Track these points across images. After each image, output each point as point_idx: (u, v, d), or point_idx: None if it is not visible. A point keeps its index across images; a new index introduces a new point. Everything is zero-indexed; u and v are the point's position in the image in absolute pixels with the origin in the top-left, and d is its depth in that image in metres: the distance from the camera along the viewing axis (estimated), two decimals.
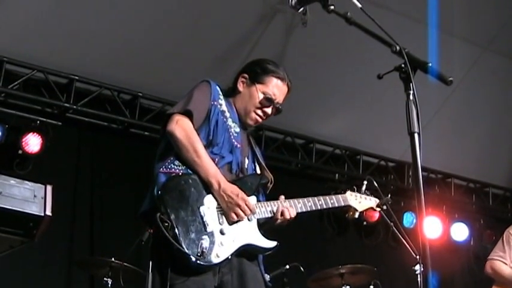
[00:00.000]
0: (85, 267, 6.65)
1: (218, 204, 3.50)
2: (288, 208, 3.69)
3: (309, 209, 3.80)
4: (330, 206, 3.93)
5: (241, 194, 3.52)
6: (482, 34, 8.43)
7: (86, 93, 7.43)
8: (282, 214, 3.66)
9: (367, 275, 6.53)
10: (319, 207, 3.85)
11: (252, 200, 3.61)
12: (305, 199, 3.81)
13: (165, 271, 3.35)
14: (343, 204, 4.04)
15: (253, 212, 3.55)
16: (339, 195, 4.03)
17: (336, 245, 8.90)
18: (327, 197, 3.92)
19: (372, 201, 4.23)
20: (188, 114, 3.55)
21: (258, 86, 3.80)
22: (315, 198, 3.85)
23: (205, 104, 3.66)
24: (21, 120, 7.09)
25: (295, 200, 3.77)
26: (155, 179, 3.49)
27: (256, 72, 3.83)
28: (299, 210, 3.75)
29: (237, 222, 3.51)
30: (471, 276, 9.66)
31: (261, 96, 3.79)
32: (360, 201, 4.15)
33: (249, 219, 3.56)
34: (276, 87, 3.82)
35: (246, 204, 3.51)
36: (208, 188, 3.49)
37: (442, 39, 7.65)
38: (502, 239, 6.13)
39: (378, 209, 4.34)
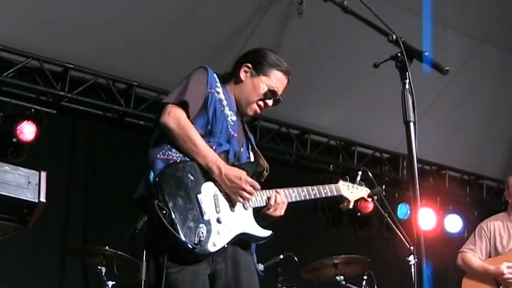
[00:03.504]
0: (78, 256, 6.63)
1: (215, 192, 3.48)
2: (281, 195, 3.69)
3: (302, 198, 3.81)
4: (323, 195, 3.96)
5: (244, 175, 3.51)
6: (479, 26, 8.43)
7: (81, 81, 7.41)
8: (275, 202, 3.65)
9: (361, 266, 6.53)
10: (312, 197, 3.87)
11: None
12: (299, 188, 3.81)
13: (161, 259, 3.33)
14: (335, 193, 4.06)
15: (256, 189, 3.55)
16: (332, 185, 4.05)
17: (329, 236, 8.92)
18: (320, 187, 3.94)
19: (363, 191, 4.26)
20: (183, 105, 3.51)
21: (263, 78, 3.76)
22: (309, 187, 3.86)
23: (202, 92, 3.61)
24: (16, 108, 7.08)
25: (290, 189, 3.77)
26: (151, 165, 3.46)
27: (261, 63, 3.78)
28: (293, 200, 3.76)
29: (234, 209, 3.51)
30: None
31: (265, 88, 3.76)
32: (352, 191, 4.18)
33: (245, 208, 3.57)
34: (279, 81, 3.80)
35: (250, 185, 3.51)
36: (206, 175, 3.47)
37: (438, 31, 7.65)
38: (475, 233, 6.34)
39: (370, 199, 4.36)
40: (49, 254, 7.11)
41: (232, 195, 3.50)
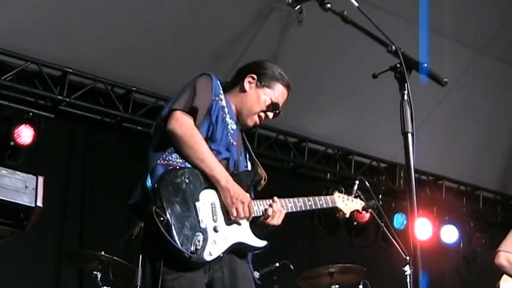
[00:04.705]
0: (74, 260, 6.63)
1: (213, 200, 3.48)
2: (277, 203, 3.69)
3: (298, 209, 3.82)
4: (319, 206, 3.97)
5: (246, 194, 3.53)
6: (477, 37, 8.44)
7: (79, 86, 7.40)
8: (272, 215, 3.65)
9: (357, 275, 6.53)
10: (308, 208, 3.87)
11: None
12: (295, 199, 3.82)
13: (158, 264, 3.34)
14: (330, 205, 4.08)
15: (251, 215, 3.55)
16: (328, 197, 4.07)
17: (326, 244, 8.91)
18: (316, 198, 3.94)
19: (358, 204, 4.28)
20: (192, 111, 3.52)
21: (267, 90, 3.79)
22: (305, 198, 3.87)
23: (207, 99, 3.62)
24: (14, 111, 7.07)
25: (286, 200, 3.77)
26: (151, 170, 3.45)
27: (266, 75, 3.81)
28: (289, 210, 3.76)
29: (232, 220, 3.50)
30: (460, 278, 9.70)
31: (269, 101, 3.79)
32: (347, 204, 4.20)
33: None
34: (281, 95, 3.84)
35: (248, 206, 3.51)
36: (205, 183, 3.47)
37: (436, 41, 7.66)
38: None
39: (364, 212, 4.38)
40: (45, 259, 7.10)
41: (229, 206, 3.48)
